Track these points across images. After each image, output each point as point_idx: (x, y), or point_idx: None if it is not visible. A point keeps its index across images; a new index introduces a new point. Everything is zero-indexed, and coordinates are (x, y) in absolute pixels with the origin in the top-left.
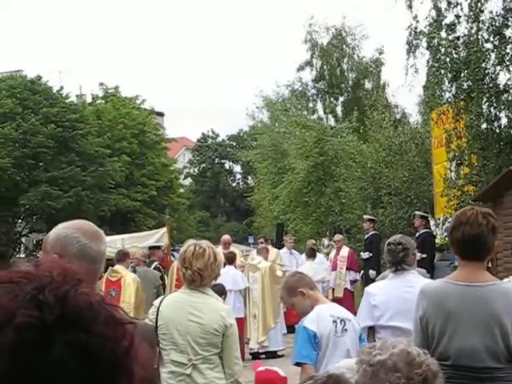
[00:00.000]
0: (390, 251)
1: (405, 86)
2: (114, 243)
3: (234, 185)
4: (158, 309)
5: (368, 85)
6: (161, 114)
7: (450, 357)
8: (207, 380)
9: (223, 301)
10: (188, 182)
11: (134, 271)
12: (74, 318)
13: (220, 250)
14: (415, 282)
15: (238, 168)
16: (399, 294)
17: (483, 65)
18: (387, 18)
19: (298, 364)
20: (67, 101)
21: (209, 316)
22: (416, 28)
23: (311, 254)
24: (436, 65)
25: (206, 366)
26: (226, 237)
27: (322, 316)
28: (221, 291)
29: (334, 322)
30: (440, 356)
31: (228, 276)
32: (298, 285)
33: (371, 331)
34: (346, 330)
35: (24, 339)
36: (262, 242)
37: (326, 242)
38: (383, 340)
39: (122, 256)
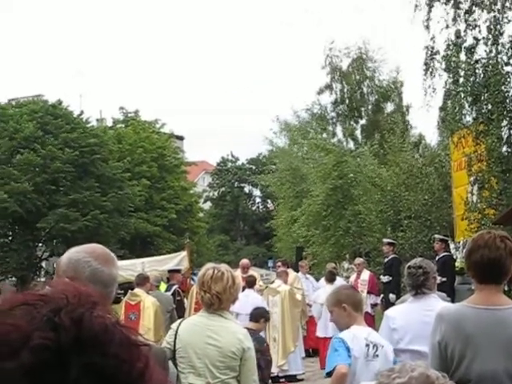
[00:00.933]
0: (410, 275)
1: (423, 107)
2: (134, 267)
3: (253, 208)
4: (176, 332)
5: (389, 108)
6: (180, 138)
7: (471, 381)
8: None
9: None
10: (207, 205)
11: None
12: (90, 341)
13: (238, 274)
14: (435, 305)
15: (257, 192)
16: (419, 318)
17: (503, 88)
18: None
19: (336, 366)
20: (88, 125)
21: (226, 339)
22: (433, 48)
23: (331, 278)
24: (455, 88)
25: None
26: (245, 261)
27: (357, 337)
28: (261, 314)
29: (367, 345)
30: (460, 380)
31: (248, 300)
32: (346, 300)
33: None
34: (377, 355)
35: (40, 361)
36: (279, 266)
37: (346, 265)
38: (402, 363)
39: (142, 280)
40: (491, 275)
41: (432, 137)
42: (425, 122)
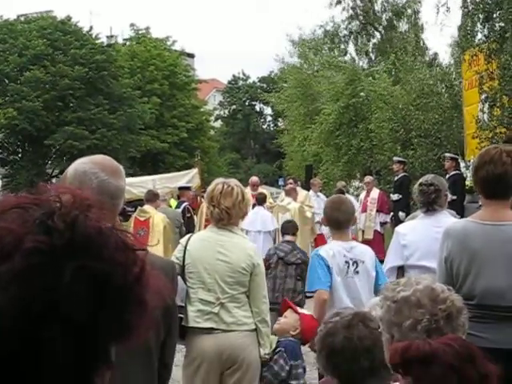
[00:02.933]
0: (421, 192)
1: (436, 25)
2: (144, 183)
3: (264, 127)
4: (186, 247)
5: (402, 26)
6: (191, 56)
7: (476, 296)
8: (235, 319)
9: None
10: (218, 124)
11: None
12: (84, 244)
13: (248, 192)
14: (446, 222)
15: (268, 110)
16: (429, 234)
17: None
18: None
19: (316, 290)
20: (98, 42)
21: (236, 255)
22: None
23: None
24: (466, 5)
25: (233, 305)
26: (254, 178)
27: (337, 254)
28: (295, 226)
29: (347, 262)
30: (465, 296)
31: (258, 217)
32: (324, 216)
33: (400, 271)
34: (357, 272)
35: (32, 265)
36: (290, 183)
37: (356, 183)
38: (407, 277)
39: (152, 196)
40: (498, 190)
41: (445, 56)
42: (439, 42)
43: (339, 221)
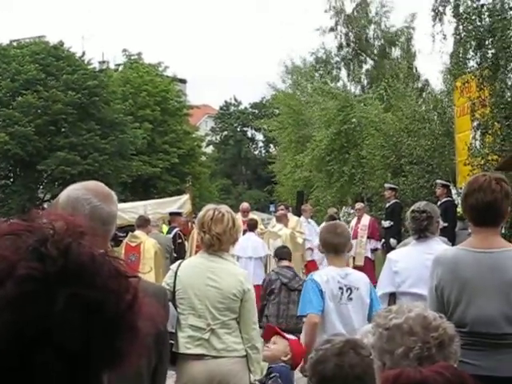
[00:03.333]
0: (413, 219)
1: (433, 54)
2: (136, 209)
3: (255, 153)
4: (176, 273)
5: (394, 53)
6: (183, 81)
7: (467, 324)
8: (225, 345)
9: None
10: (210, 149)
11: None
12: (77, 271)
13: (239, 218)
14: (438, 249)
15: (260, 136)
16: (421, 261)
17: (508, 33)
18: None
19: (307, 314)
20: (90, 67)
21: (227, 281)
22: None
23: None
24: (459, 32)
25: (224, 331)
26: (245, 204)
27: (331, 279)
28: (288, 253)
29: (341, 288)
30: (456, 323)
31: (249, 243)
32: (321, 241)
33: (392, 298)
34: (351, 298)
35: (25, 292)
36: (282, 209)
37: (347, 210)
38: (399, 304)
39: (143, 222)
40: (487, 218)
41: (437, 83)
42: (431, 69)
43: (336, 244)
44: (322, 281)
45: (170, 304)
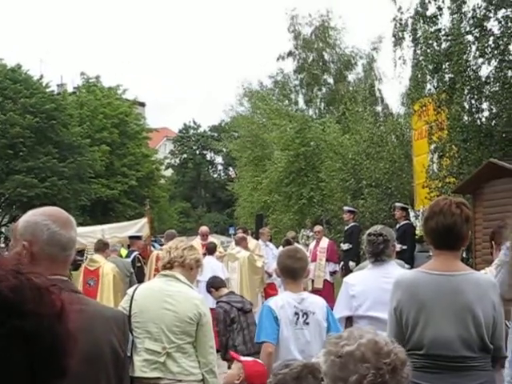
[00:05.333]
0: (370, 242)
1: (394, 79)
2: (94, 233)
3: (215, 176)
4: (132, 297)
5: (351, 77)
6: (142, 104)
7: (424, 346)
8: (181, 368)
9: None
10: (169, 172)
11: None
12: (3, 308)
13: (198, 241)
14: (394, 272)
15: (219, 159)
16: (378, 285)
17: (465, 57)
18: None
19: (263, 342)
20: (48, 90)
21: (183, 304)
22: (401, 20)
23: (287, 246)
24: (416, 56)
25: (180, 355)
26: (204, 228)
27: (286, 305)
28: (221, 282)
29: (296, 314)
30: (414, 346)
31: (208, 266)
32: (278, 265)
33: (349, 321)
34: (307, 323)
35: None
36: (239, 233)
37: (306, 232)
38: (349, 330)
39: (101, 246)
40: (447, 241)
41: (397, 107)
42: (392, 92)
43: (295, 269)
44: (276, 307)
45: None
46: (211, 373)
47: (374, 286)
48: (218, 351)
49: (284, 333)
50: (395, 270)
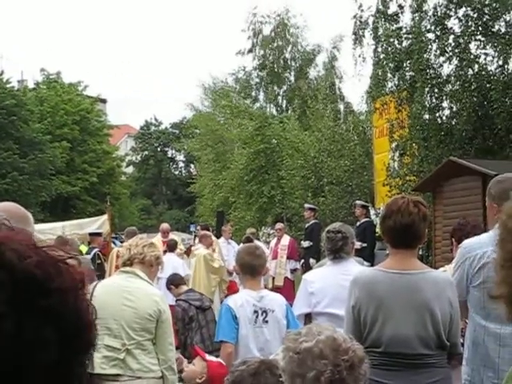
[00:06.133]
0: (329, 239)
1: (354, 77)
2: (54, 230)
3: (176, 173)
4: (92, 294)
5: (312, 74)
6: (103, 101)
7: (382, 344)
8: (141, 365)
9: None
10: (130, 169)
11: None
12: (28, 282)
13: (159, 239)
14: (353, 269)
15: (180, 156)
16: (336, 282)
17: (425, 55)
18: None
19: (221, 342)
20: (8, 86)
21: (143, 301)
22: (361, 17)
23: (246, 244)
24: (378, 54)
25: (139, 352)
26: (165, 225)
27: (245, 303)
28: (180, 279)
29: (256, 312)
30: (372, 343)
31: (169, 264)
32: (236, 262)
33: (308, 318)
34: (266, 321)
35: None
36: (198, 230)
37: (268, 230)
38: (308, 326)
39: (62, 243)
40: (404, 240)
41: (358, 105)
42: (354, 91)
43: (254, 266)
44: (235, 305)
45: None
46: (170, 369)
47: (333, 283)
48: (177, 348)
49: (243, 331)
50: (354, 267)
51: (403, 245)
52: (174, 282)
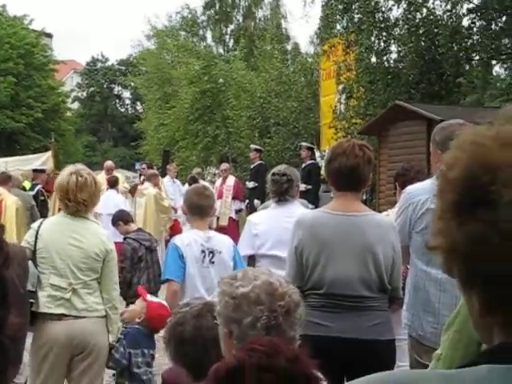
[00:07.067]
0: (274, 182)
1: (302, 18)
2: None
3: (122, 110)
4: (37, 232)
5: (261, 14)
6: (49, 36)
7: (324, 285)
8: (86, 305)
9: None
10: (76, 105)
11: None
12: None
13: (103, 176)
14: (297, 212)
15: (127, 93)
16: (281, 224)
17: None
18: None
19: (167, 280)
20: None
21: (90, 240)
22: None
23: (192, 183)
24: None
25: (85, 291)
26: (109, 163)
27: (193, 242)
28: (129, 215)
29: (203, 251)
30: (314, 285)
31: (109, 200)
32: (184, 202)
33: (251, 260)
34: (212, 262)
35: None
36: (144, 169)
37: (213, 170)
38: (244, 270)
39: (5, 178)
40: (349, 183)
41: (307, 47)
42: (302, 33)
43: (202, 206)
44: (183, 244)
45: (31, 263)
46: (114, 308)
47: (277, 226)
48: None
49: (190, 270)
50: (298, 209)
51: (348, 187)
52: (123, 218)
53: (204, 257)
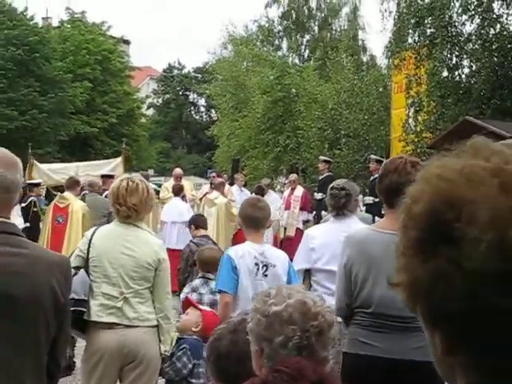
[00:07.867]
0: (332, 195)
1: (381, 31)
2: (66, 170)
3: (197, 117)
4: (91, 240)
5: (338, 25)
6: (127, 42)
7: (372, 304)
8: (138, 314)
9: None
10: (151, 112)
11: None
12: None
13: (171, 183)
14: (354, 227)
15: (202, 101)
16: (337, 239)
17: (448, 12)
18: None
19: (220, 291)
20: (31, 23)
21: (142, 250)
22: None
23: (258, 193)
24: (400, 10)
25: (137, 300)
26: (178, 170)
27: (247, 254)
28: (203, 222)
29: (256, 264)
30: (362, 303)
31: (174, 208)
32: (239, 214)
33: (307, 274)
34: (266, 275)
35: None
36: (213, 177)
37: (283, 180)
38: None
39: (72, 183)
40: (399, 200)
41: (382, 60)
42: (379, 45)
43: (255, 218)
44: (236, 256)
45: (83, 271)
46: (166, 318)
47: (334, 240)
48: (173, 292)
49: (243, 282)
50: (356, 224)
51: (398, 205)
52: (197, 222)
53: (258, 269)
